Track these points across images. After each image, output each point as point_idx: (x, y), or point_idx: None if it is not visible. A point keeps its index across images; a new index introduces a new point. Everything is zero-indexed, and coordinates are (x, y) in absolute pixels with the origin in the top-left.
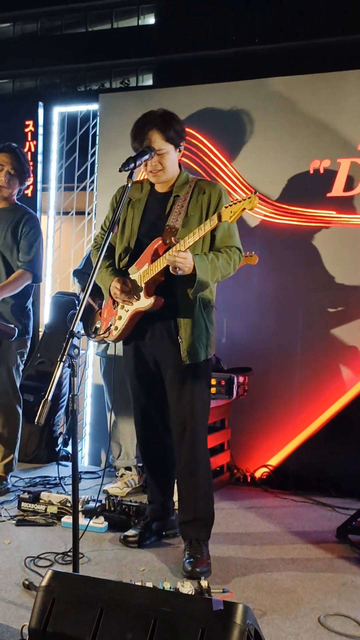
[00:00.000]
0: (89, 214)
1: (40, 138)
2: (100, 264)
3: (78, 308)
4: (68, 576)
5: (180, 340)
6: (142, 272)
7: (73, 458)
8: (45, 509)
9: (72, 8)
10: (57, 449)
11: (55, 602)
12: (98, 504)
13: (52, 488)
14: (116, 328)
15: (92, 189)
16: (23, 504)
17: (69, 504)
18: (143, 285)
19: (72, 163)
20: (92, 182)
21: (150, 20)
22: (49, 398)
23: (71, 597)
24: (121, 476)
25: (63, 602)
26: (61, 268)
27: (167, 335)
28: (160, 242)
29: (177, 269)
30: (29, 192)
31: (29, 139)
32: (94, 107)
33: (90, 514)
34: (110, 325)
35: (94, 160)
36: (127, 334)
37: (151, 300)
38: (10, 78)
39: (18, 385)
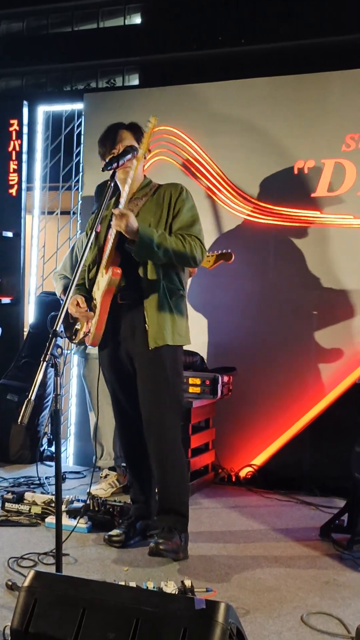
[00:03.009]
0: (74, 213)
1: (25, 137)
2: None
3: (61, 308)
4: (50, 576)
5: (147, 327)
6: (103, 262)
7: (56, 458)
8: (29, 509)
9: (58, 7)
10: (41, 449)
11: (37, 602)
12: (82, 504)
13: (36, 488)
14: (93, 325)
15: (77, 189)
16: (7, 504)
17: (53, 504)
18: (104, 270)
19: (57, 162)
20: (77, 181)
21: (137, 20)
22: (32, 398)
23: (53, 598)
24: (105, 477)
25: (45, 602)
26: (46, 268)
27: (137, 325)
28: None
29: (122, 226)
30: (13, 191)
31: (14, 138)
32: (78, 106)
33: (74, 514)
34: (90, 328)
35: (79, 159)
36: (103, 324)
37: (109, 273)
38: None
39: None
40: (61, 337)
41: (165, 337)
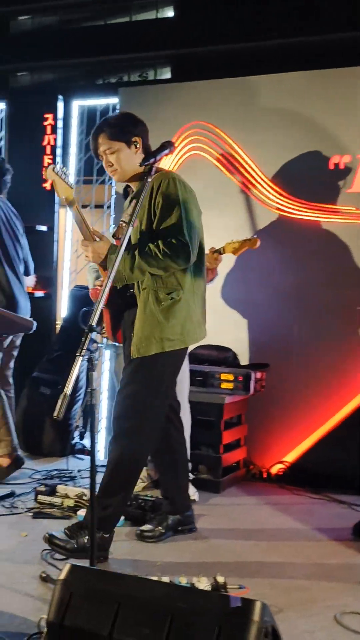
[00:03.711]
0: (108, 207)
1: (60, 131)
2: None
3: (96, 303)
4: (86, 570)
5: (132, 334)
6: None
7: (92, 452)
8: (62, 502)
9: (90, 0)
10: (72, 442)
11: (72, 595)
12: None
13: (69, 481)
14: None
15: (111, 183)
16: (40, 497)
17: (85, 497)
18: None
19: (91, 157)
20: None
21: (169, 13)
22: (68, 393)
23: (88, 591)
24: None
25: (80, 596)
26: (78, 262)
27: (130, 329)
28: (115, 240)
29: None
30: (47, 185)
31: (49, 132)
32: (113, 100)
33: None
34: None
35: None
36: (108, 324)
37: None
38: (28, 71)
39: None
40: (97, 332)
41: (149, 348)
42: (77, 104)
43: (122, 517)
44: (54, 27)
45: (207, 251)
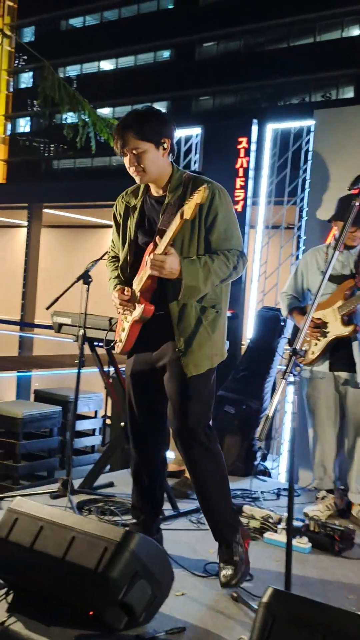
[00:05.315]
0: (298, 228)
1: (253, 154)
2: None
3: (302, 326)
4: (289, 596)
5: (181, 352)
6: (137, 281)
7: (290, 476)
8: (248, 522)
9: (276, 24)
10: (255, 463)
11: (275, 620)
12: (302, 524)
13: (252, 502)
14: (120, 340)
15: (302, 206)
16: None
17: (271, 520)
18: (138, 294)
19: (282, 178)
20: (302, 198)
21: (355, 31)
22: (271, 415)
23: (292, 618)
24: (322, 498)
25: (283, 621)
26: (267, 282)
27: (170, 345)
28: (152, 247)
29: (160, 273)
30: (238, 207)
31: (242, 155)
32: (307, 123)
33: (293, 532)
34: (120, 338)
35: (305, 176)
36: (130, 347)
37: (140, 308)
38: (210, 95)
39: None
40: (300, 355)
41: (202, 365)
42: (271, 127)
43: (310, 544)
44: (239, 52)
45: None
